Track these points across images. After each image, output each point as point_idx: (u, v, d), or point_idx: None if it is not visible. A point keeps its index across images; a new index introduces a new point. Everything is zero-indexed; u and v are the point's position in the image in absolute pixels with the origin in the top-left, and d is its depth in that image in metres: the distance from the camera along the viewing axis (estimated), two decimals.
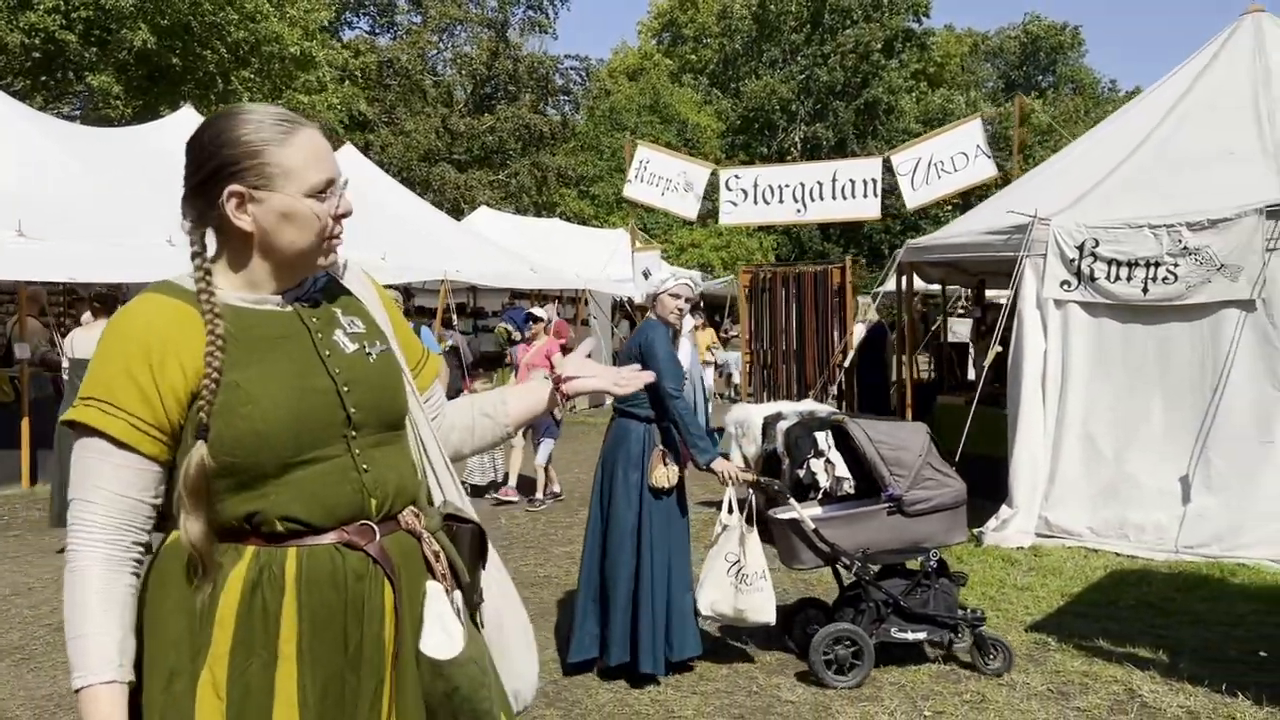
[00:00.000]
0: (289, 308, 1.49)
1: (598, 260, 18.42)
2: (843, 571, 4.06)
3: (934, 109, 35.38)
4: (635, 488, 3.93)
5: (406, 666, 1.46)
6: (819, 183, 11.46)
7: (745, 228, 27.37)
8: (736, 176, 12.10)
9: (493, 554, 1.67)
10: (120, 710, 1.35)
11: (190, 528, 1.34)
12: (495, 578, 1.67)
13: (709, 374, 14.15)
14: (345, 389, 1.46)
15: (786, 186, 11.70)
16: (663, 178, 12.77)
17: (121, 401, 1.35)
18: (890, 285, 10.70)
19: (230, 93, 14.13)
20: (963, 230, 7.60)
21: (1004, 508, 6.24)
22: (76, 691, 1.35)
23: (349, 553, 1.42)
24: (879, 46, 34.35)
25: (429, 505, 1.58)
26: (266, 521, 1.38)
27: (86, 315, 7.23)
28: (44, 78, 14.89)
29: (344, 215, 1.49)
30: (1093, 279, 6.10)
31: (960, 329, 13.82)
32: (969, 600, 4.72)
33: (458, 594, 1.54)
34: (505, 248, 15.26)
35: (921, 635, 3.95)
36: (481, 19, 31.61)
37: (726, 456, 4.16)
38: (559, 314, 14.41)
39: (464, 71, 30.29)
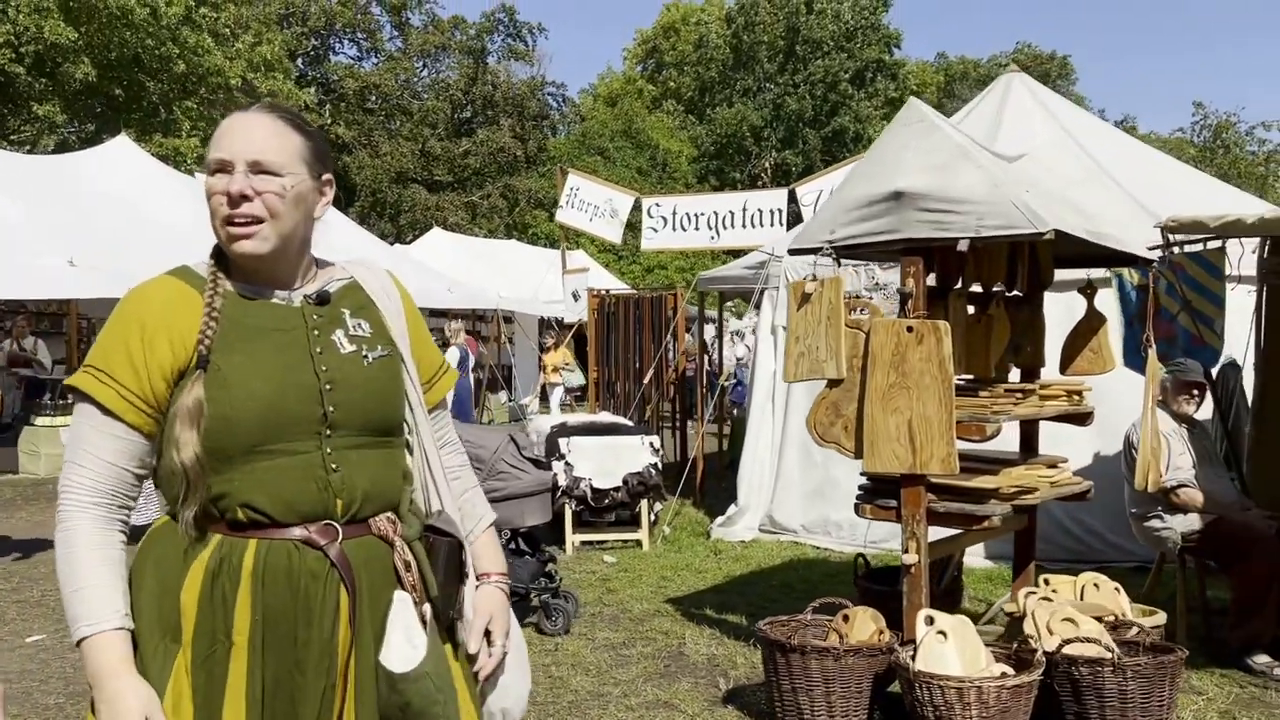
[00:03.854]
0: (296, 303, 1.53)
1: (542, 282, 19.38)
2: None
3: None
4: None
5: (365, 675, 1.45)
6: (731, 212, 12.30)
7: (712, 252, 28.33)
8: (657, 205, 12.96)
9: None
10: (128, 656, 1.38)
11: (184, 440, 1.39)
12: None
13: (559, 390, 15.04)
14: (328, 387, 1.48)
15: (701, 215, 12.54)
16: (591, 204, 13.65)
17: (114, 371, 1.42)
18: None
19: (172, 121, 15.28)
20: (739, 264, 8.51)
21: (732, 506, 7.12)
22: (79, 644, 1.38)
23: (307, 551, 1.43)
24: (847, 77, 35.24)
25: (414, 515, 1.58)
26: (230, 508, 1.42)
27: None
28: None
29: (239, 195, 1.44)
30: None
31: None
32: (658, 580, 5.70)
33: (427, 606, 1.53)
34: (431, 268, 16.23)
35: None
36: (462, 46, 32.81)
37: None
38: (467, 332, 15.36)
39: (442, 97, 31.44)
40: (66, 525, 1.41)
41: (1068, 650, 3.31)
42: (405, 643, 1.47)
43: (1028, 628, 3.52)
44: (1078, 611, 3.60)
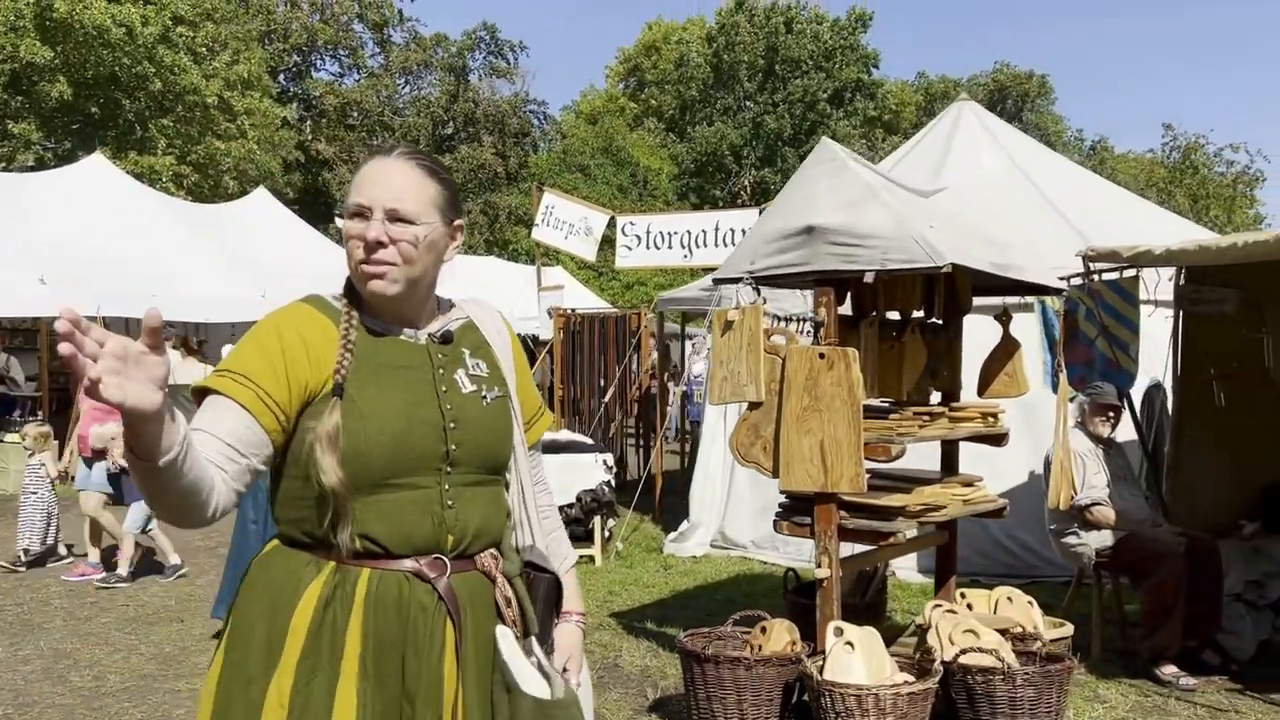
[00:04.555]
0: (423, 341, 1.57)
1: (518, 299, 19.54)
2: None
3: (884, 155, 36.70)
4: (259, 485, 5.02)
5: (471, 705, 1.47)
6: (704, 230, 12.46)
7: (691, 269, 28.69)
8: (631, 223, 13.13)
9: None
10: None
11: (326, 465, 1.40)
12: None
13: None
14: (452, 425, 1.51)
15: (674, 234, 12.70)
16: (566, 222, 13.82)
17: (254, 375, 1.43)
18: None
19: (148, 139, 15.45)
20: (695, 285, 8.73)
21: (685, 522, 7.31)
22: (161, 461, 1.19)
23: (418, 583, 1.47)
24: (826, 96, 35.67)
25: (515, 552, 1.62)
26: (348, 536, 1.45)
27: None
28: None
29: (375, 242, 1.48)
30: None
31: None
32: (606, 594, 5.87)
33: (533, 640, 1.57)
34: None
35: None
36: (444, 64, 33.07)
37: None
38: None
39: (423, 113, 31.67)
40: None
41: (963, 660, 3.51)
42: (517, 674, 1.49)
43: (931, 639, 3.72)
44: (981, 624, 3.80)
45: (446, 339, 1.59)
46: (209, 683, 1.46)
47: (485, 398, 1.58)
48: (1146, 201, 8.87)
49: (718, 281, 4.32)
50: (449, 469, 1.51)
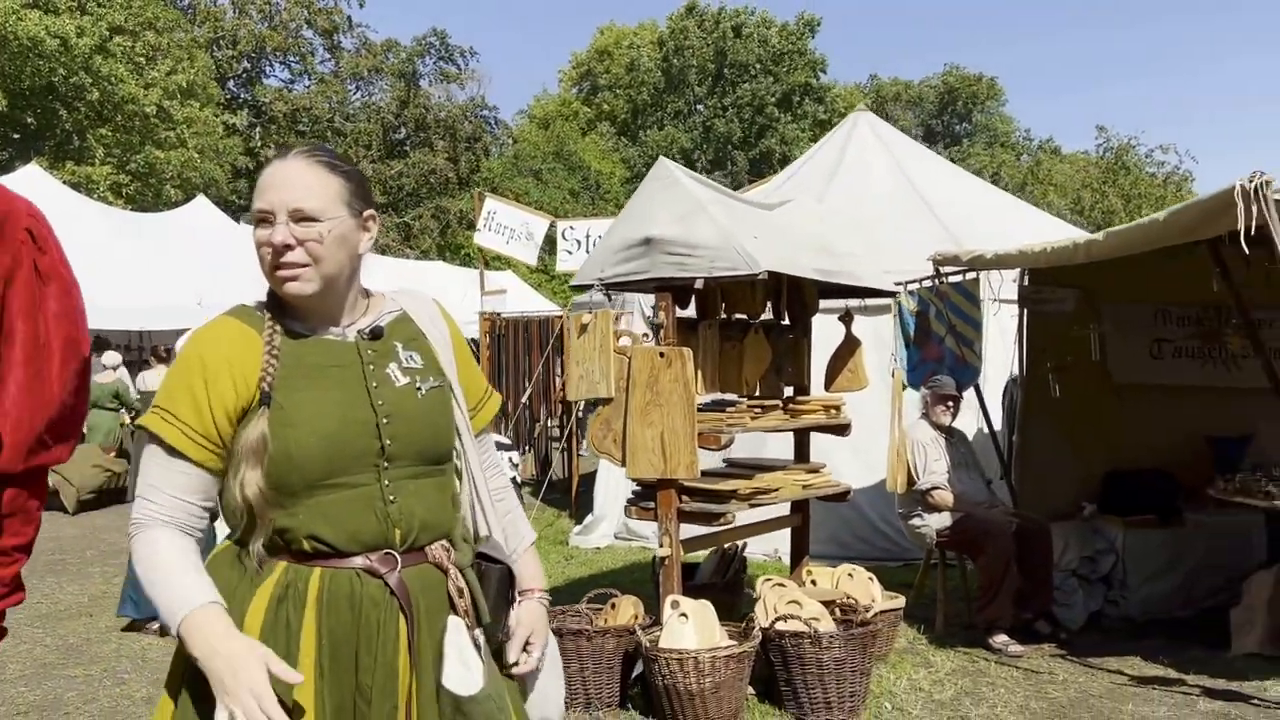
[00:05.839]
0: (351, 338, 1.58)
1: (461, 302, 19.80)
2: None
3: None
4: None
5: (426, 699, 1.50)
6: None
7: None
8: (571, 228, 13.49)
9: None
10: (229, 623, 1.40)
11: (248, 477, 1.44)
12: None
13: None
14: (385, 420, 1.52)
15: None
16: (508, 227, 14.13)
17: (178, 411, 1.46)
18: None
19: (86, 149, 15.54)
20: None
21: (589, 515, 7.68)
22: (179, 630, 1.39)
23: (369, 579, 1.48)
24: (774, 100, 36.25)
25: (465, 542, 1.63)
26: (295, 539, 1.47)
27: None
28: None
29: (283, 245, 1.48)
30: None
31: None
32: None
33: (479, 631, 1.58)
34: None
35: None
36: (394, 69, 33.20)
37: None
38: None
39: (374, 119, 31.79)
40: (142, 536, 1.46)
41: (779, 626, 3.91)
42: (461, 666, 1.52)
43: (758, 609, 4.11)
44: (807, 596, 4.21)
45: (376, 334, 1.59)
46: (169, 680, 1.50)
47: (420, 389, 1.58)
48: (1023, 203, 9.36)
49: (573, 288, 4.68)
50: (386, 464, 1.51)
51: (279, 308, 1.56)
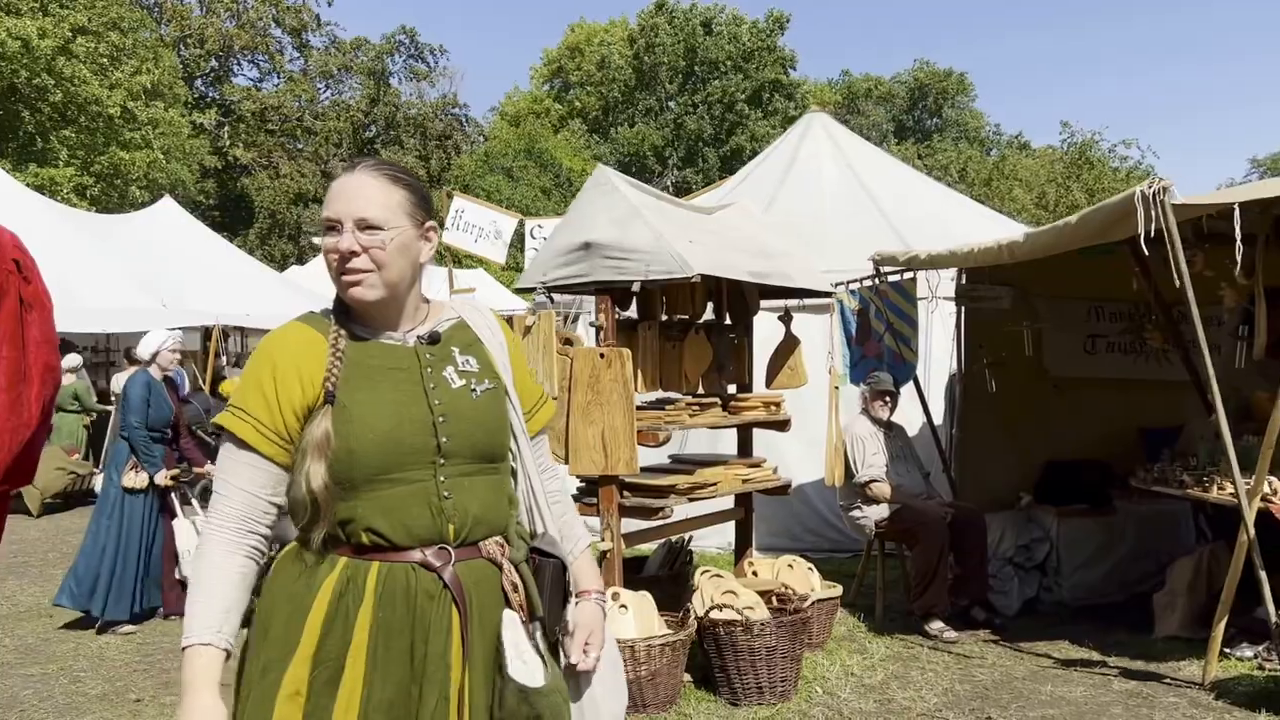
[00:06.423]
0: (410, 343, 1.66)
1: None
2: None
3: None
4: (115, 485, 5.42)
5: (477, 690, 1.56)
6: None
7: None
8: (539, 226, 13.58)
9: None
10: (211, 671, 1.50)
11: (313, 470, 1.53)
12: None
13: None
14: (441, 420, 1.60)
15: None
16: (476, 225, 14.20)
17: (250, 408, 1.58)
18: None
19: (49, 151, 15.47)
20: None
21: None
22: (184, 650, 1.52)
23: (423, 573, 1.56)
24: (744, 97, 36.45)
25: (520, 539, 1.69)
26: (355, 533, 1.56)
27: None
28: None
29: (348, 252, 1.58)
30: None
31: None
32: None
33: (536, 625, 1.65)
34: (317, 292, 16.58)
35: None
36: (364, 68, 33.16)
37: None
38: None
39: (343, 117, 31.75)
40: (201, 548, 1.58)
41: (713, 615, 4.07)
42: (519, 660, 1.57)
43: (695, 600, 4.27)
44: (744, 586, 4.37)
45: (434, 339, 1.67)
46: (238, 674, 1.61)
47: (475, 390, 1.65)
48: (973, 203, 9.56)
49: (517, 291, 4.82)
50: (442, 460, 1.59)
51: (344, 313, 1.66)
